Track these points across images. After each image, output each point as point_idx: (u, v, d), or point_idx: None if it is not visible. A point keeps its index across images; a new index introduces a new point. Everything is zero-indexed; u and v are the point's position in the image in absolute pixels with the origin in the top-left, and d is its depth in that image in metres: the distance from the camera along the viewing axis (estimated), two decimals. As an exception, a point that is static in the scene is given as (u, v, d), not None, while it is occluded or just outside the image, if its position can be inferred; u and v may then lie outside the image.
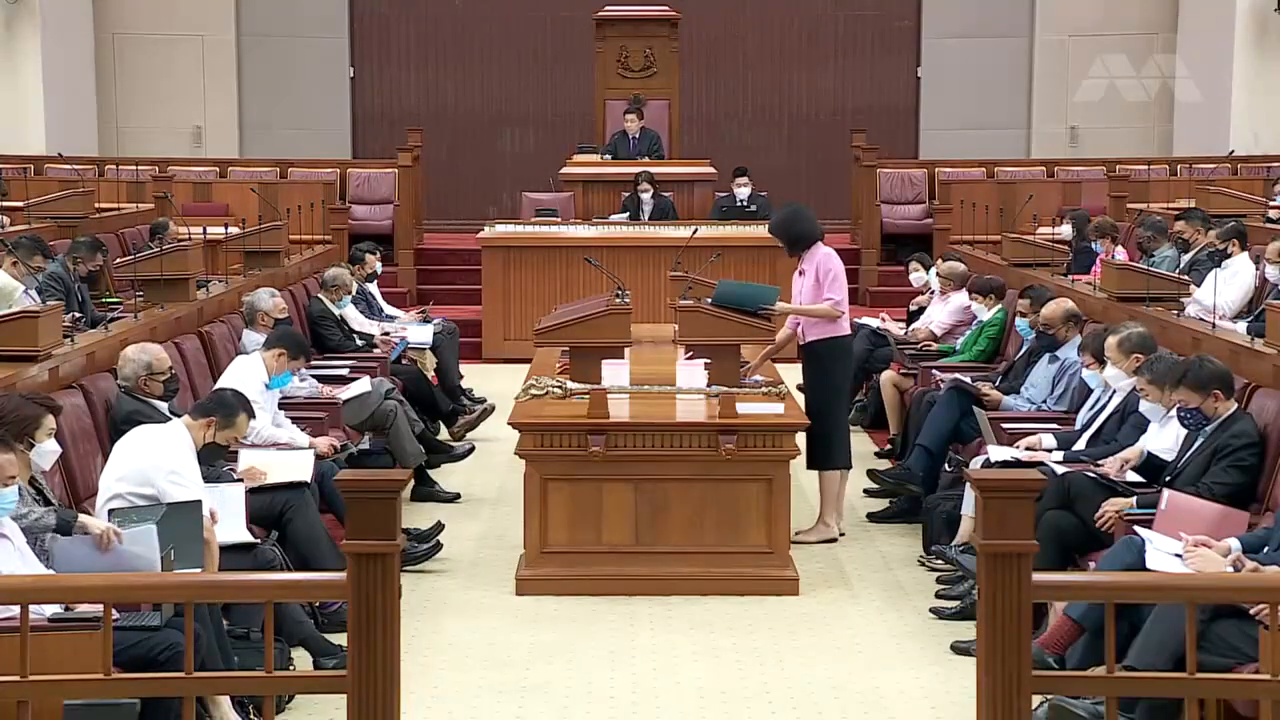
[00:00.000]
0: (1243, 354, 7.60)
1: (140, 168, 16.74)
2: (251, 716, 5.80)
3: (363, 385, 9.28)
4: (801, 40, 20.88)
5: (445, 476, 9.70)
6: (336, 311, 10.83)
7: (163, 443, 6.40)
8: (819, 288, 8.57)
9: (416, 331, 11.47)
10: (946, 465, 8.71)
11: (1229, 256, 10.37)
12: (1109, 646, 3.99)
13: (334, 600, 6.29)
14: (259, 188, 15.14)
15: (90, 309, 10.27)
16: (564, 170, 16.66)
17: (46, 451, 5.99)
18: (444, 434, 10.91)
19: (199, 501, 6.23)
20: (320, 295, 10.87)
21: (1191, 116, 19.33)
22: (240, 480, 6.94)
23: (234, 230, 12.25)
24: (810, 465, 8.64)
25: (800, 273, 8.71)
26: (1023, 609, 3.86)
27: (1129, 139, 19.64)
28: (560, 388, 8.16)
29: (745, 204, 15.81)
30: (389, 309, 12.32)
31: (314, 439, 8.09)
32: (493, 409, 11.01)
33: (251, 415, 6.80)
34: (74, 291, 10.26)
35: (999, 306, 10.20)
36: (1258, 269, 10.21)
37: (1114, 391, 7.65)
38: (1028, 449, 7.62)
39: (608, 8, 17.85)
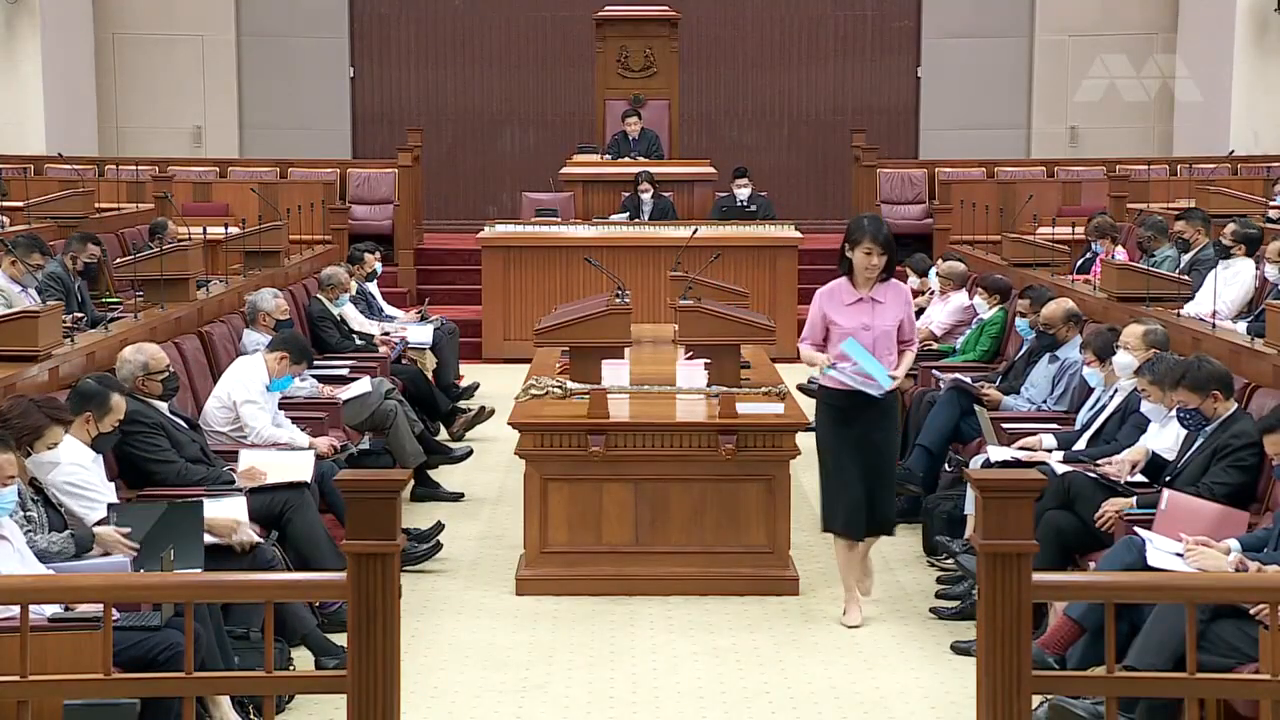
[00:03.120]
0: (1243, 354, 7.60)
1: (140, 168, 16.73)
2: (251, 716, 5.80)
3: (363, 385, 9.29)
4: (801, 40, 20.87)
5: (445, 476, 9.70)
6: (335, 311, 10.83)
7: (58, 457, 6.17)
8: (903, 330, 7.25)
9: (417, 331, 11.48)
10: (946, 465, 8.71)
11: (1232, 255, 10.36)
12: (1109, 646, 3.99)
13: (334, 600, 6.28)
14: (259, 188, 15.13)
15: (90, 309, 10.27)
16: (564, 170, 16.67)
17: (43, 463, 5.94)
18: (443, 434, 10.91)
19: (200, 502, 6.24)
20: (319, 295, 10.88)
21: (1191, 116, 19.32)
22: (239, 490, 6.91)
23: (234, 230, 12.25)
24: (889, 531, 7.52)
25: (868, 300, 7.18)
26: (1023, 609, 3.86)
27: (1129, 139, 19.64)
28: (560, 388, 8.16)
29: (745, 204, 15.81)
30: (389, 309, 12.33)
31: (314, 439, 8.09)
32: (492, 412, 10.98)
33: (122, 392, 6.58)
34: (74, 291, 10.26)
35: (1000, 306, 10.20)
36: (1258, 269, 10.21)
37: (1114, 391, 7.64)
38: (1027, 449, 7.61)
39: (608, 8, 17.85)
